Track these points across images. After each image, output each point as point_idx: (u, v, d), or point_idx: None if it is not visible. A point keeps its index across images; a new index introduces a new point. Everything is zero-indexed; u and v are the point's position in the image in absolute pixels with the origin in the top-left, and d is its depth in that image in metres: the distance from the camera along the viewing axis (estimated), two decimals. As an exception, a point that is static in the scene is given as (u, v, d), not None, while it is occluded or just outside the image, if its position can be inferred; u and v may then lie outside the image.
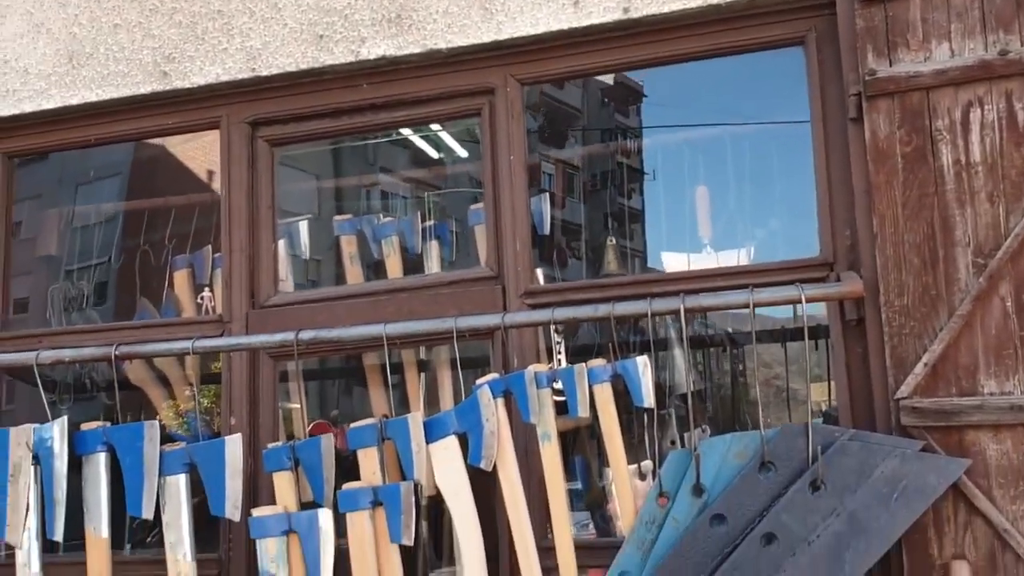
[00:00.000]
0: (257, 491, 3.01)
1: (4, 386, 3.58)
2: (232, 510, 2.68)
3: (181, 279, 4.07)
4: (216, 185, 4.86)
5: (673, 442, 3.86)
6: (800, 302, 2.53)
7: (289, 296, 3.41)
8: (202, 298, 3.97)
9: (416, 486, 2.66)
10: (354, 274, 3.95)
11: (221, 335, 3.17)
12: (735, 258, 3.83)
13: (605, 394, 2.64)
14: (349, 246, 4.00)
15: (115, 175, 5.42)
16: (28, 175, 3.78)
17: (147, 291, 4.26)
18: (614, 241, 4.46)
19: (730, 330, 4.18)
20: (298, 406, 3.40)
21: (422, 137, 5.18)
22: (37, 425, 2.81)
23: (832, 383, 2.86)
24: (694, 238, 4.05)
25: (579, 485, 4.07)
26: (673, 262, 3.97)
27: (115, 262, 4.70)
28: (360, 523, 2.61)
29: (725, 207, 4.22)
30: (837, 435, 2.47)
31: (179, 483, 2.73)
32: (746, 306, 2.56)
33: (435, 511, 3.85)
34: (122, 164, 5.46)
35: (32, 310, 4.55)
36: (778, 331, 3.68)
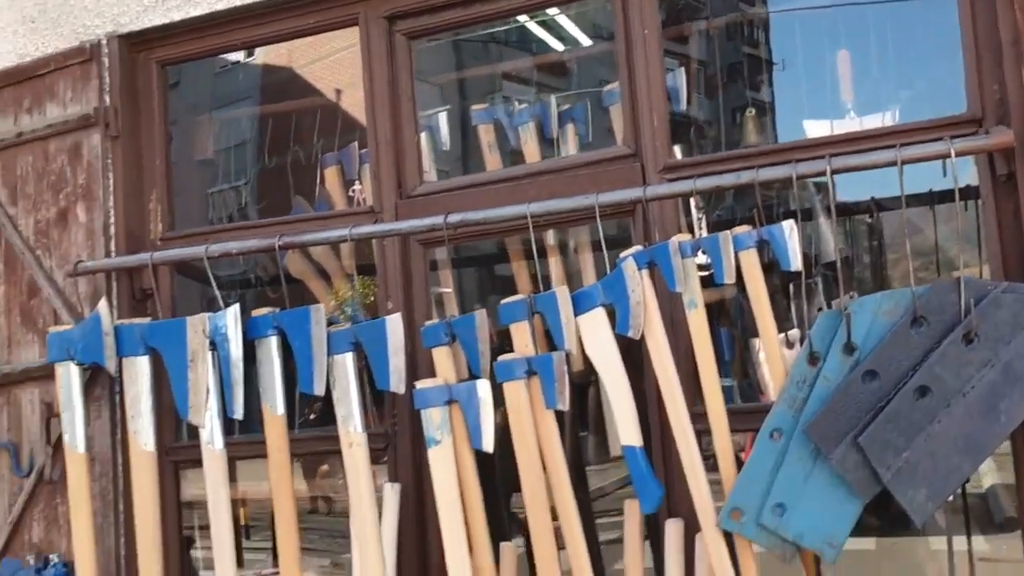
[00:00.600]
0: (416, 368, 3.15)
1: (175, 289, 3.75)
2: (397, 384, 2.84)
3: (331, 175, 4.23)
4: (344, 103, 4.98)
5: (820, 309, 3.85)
6: (949, 156, 2.50)
7: (434, 185, 3.51)
8: (353, 191, 4.13)
9: (567, 356, 2.75)
10: (493, 162, 4.03)
11: (374, 223, 3.29)
12: (880, 121, 3.73)
13: (751, 259, 2.66)
14: (487, 135, 4.08)
15: (246, 99, 5.62)
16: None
17: (299, 191, 4.44)
18: (753, 112, 4.38)
19: (875, 196, 4.10)
20: (449, 289, 3.54)
21: (539, 23, 5.15)
22: (212, 314, 3.00)
23: (983, 245, 2.80)
24: (835, 107, 3.95)
25: (728, 382, 4.11)
26: (816, 129, 3.89)
27: (267, 165, 4.89)
28: (517, 392, 2.73)
29: (867, 74, 4.10)
30: (990, 288, 2.45)
31: (346, 361, 2.89)
32: (893, 163, 2.53)
33: (579, 389, 3.95)
34: (251, 89, 5.66)
35: (179, 227, 4.77)
36: (925, 195, 3.60)
